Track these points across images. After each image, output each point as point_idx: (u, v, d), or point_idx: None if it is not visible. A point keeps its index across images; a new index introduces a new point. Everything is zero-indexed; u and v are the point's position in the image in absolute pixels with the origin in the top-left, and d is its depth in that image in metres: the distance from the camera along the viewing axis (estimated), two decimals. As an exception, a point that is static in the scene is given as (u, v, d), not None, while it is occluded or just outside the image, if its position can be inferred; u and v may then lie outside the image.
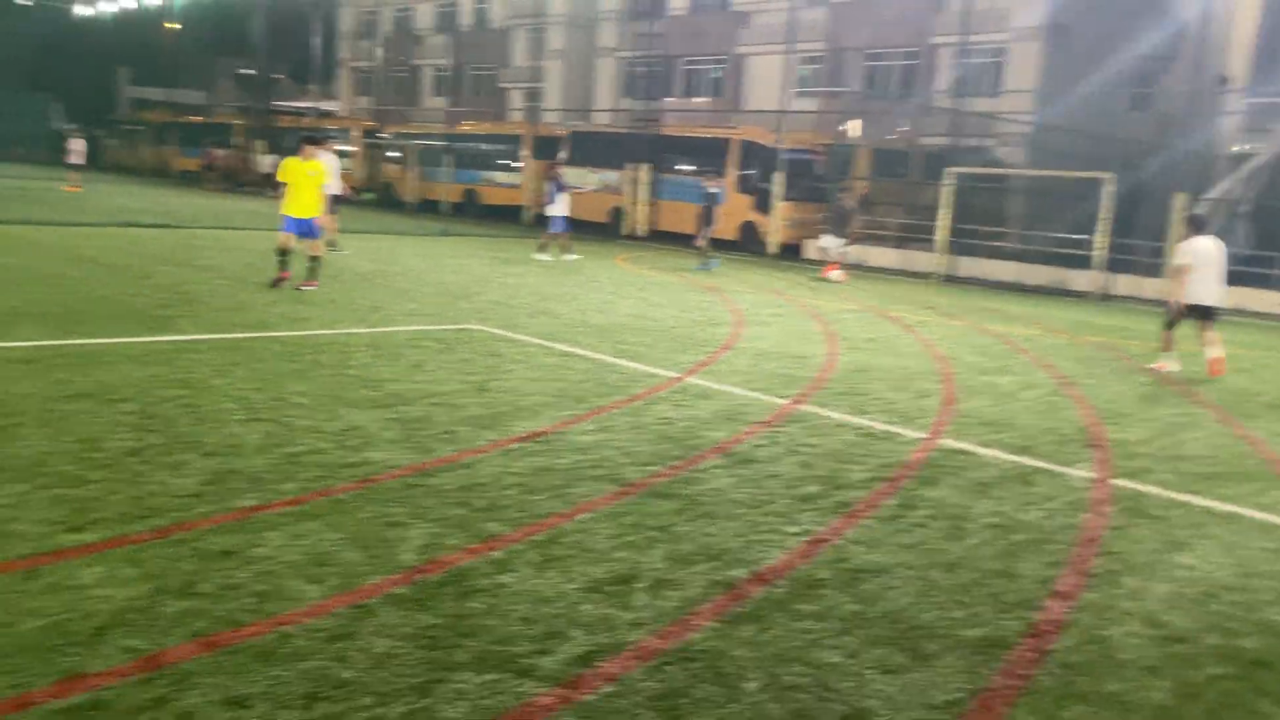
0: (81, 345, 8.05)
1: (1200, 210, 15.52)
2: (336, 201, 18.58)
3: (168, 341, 8.51)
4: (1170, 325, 11.31)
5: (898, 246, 26.54)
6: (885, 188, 28.24)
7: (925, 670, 3.54)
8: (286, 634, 3.44)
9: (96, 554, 4.00)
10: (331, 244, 17.94)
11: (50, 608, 3.50)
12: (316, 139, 13.82)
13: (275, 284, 12.27)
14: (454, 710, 3.05)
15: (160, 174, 50.45)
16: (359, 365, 8.10)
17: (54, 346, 7.91)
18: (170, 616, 3.50)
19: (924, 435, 7.16)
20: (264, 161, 35.20)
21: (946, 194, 23.24)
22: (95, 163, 39.38)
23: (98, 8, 54.06)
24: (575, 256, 20.62)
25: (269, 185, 37.02)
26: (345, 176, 18.86)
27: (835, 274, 20.17)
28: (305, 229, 12.54)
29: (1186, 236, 11.74)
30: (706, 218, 21.17)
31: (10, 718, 2.83)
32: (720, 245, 28.07)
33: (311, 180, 12.56)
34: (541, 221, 20.97)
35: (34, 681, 3.02)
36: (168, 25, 52.78)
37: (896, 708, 3.27)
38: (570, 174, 22.02)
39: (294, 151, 12.98)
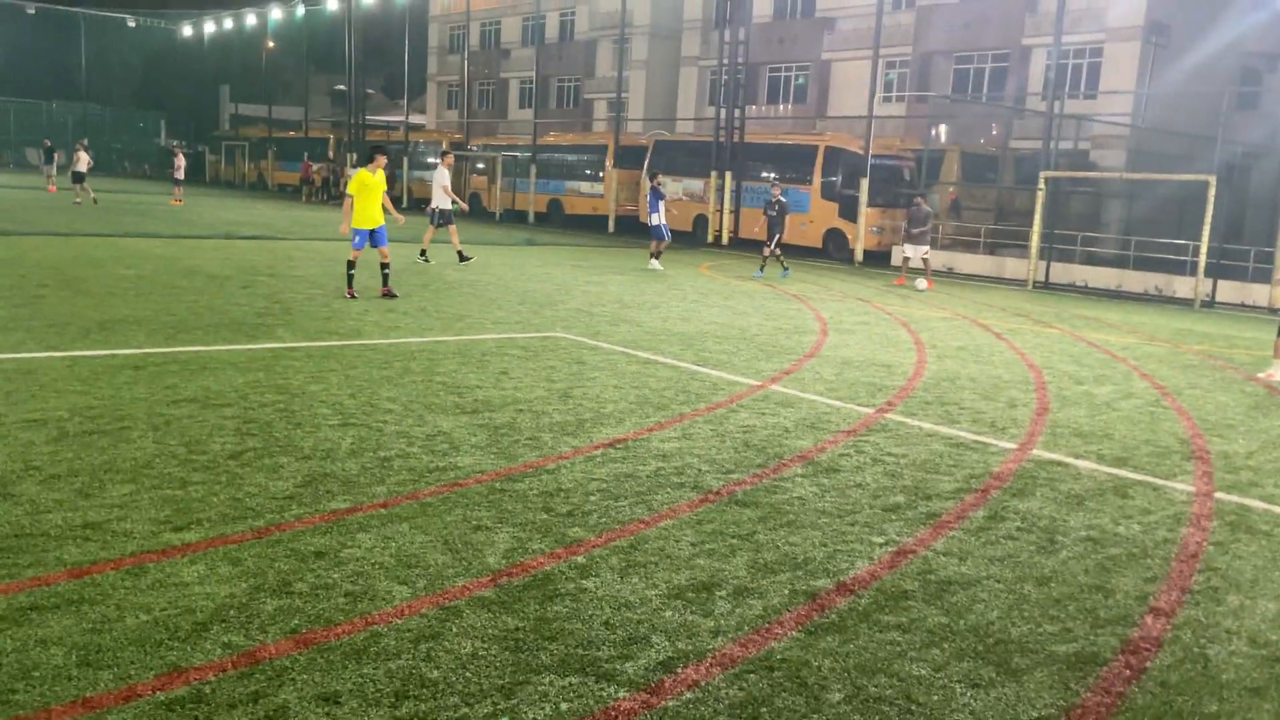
0: (187, 352, 8.39)
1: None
2: (443, 216, 18.71)
3: (266, 349, 8.81)
4: None
5: (989, 252, 25.98)
6: (976, 193, 27.68)
7: (1015, 685, 3.46)
8: (377, 633, 3.53)
9: (198, 553, 4.16)
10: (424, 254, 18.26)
11: (155, 604, 3.65)
12: (387, 150, 14.17)
13: (351, 295, 12.61)
14: (537, 712, 3.09)
15: (259, 188, 52.29)
16: (447, 372, 8.27)
17: (162, 354, 8.25)
18: (267, 614, 3.62)
19: (1015, 446, 7.00)
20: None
21: (1040, 198, 22.66)
22: (198, 177, 40.91)
23: (201, 28, 56.30)
24: (660, 266, 20.80)
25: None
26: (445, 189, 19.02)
27: (921, 282, 19.83)
28: (377, 239, 12.99)
29: None
30: (776, 225, 20.78)
31: (116, 709, 2.96)
32: (806, 253, 27.91)
33: (377, 191, 12.96)
34: (634, 230, 21.14)
35: (138, 674, 3.16)
36: (267, 43, 54.67)
37: (984, 723, 3.20)
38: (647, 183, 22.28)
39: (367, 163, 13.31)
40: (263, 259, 16.97)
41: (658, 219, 20.99)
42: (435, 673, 3.28)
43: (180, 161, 34.16)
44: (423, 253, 18.45)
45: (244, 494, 4.93)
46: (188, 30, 57.86)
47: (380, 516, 4.73)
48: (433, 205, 19.00)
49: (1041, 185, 22.65)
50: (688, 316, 13.06)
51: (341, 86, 49.56)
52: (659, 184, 21.56)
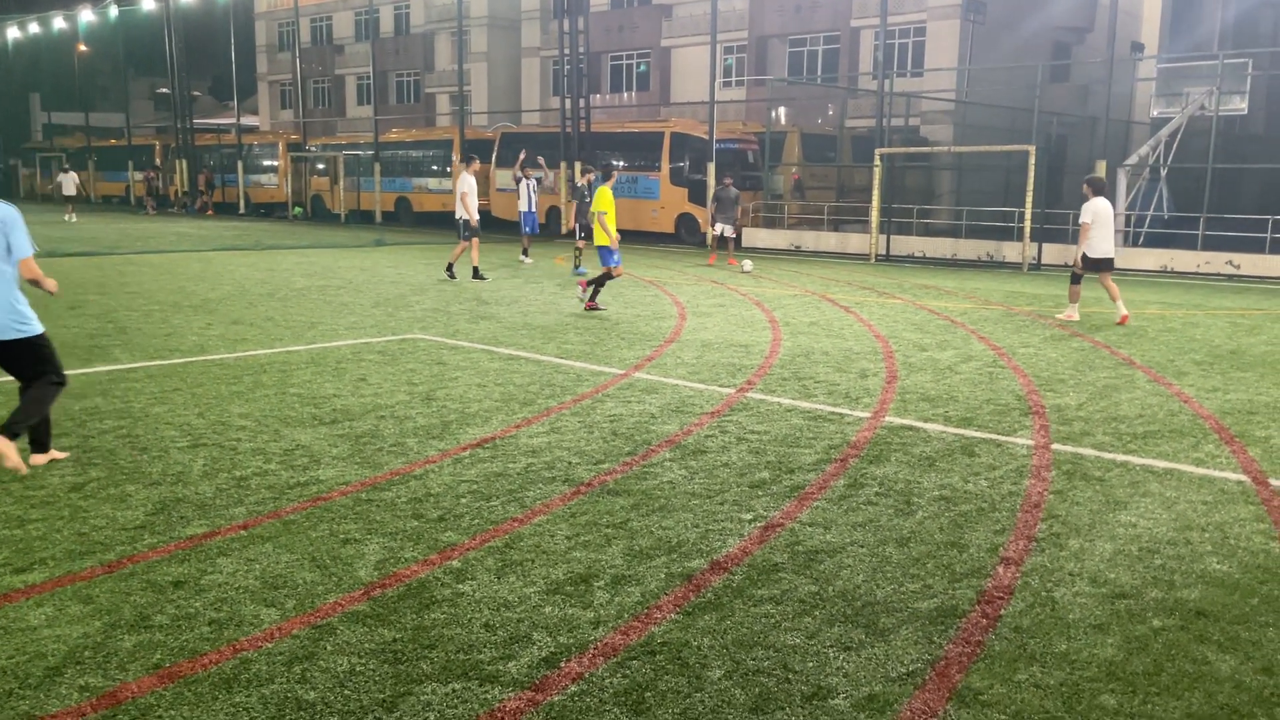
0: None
1: (1100, 174, 16.10)
2: (470, 228, 16.81)
3: (103, 372, 8.33)
4: (1076, 280, 12.91)
5: (833, 229, 26.87)
6: (817, 172, 28.56)
7: (883, 645, 3.62)
8: (246, 659, 3.41)
9: (45, 594, 3.92)
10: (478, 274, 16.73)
11: (0, 652, 3.43)
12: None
13: None
14: (422, 722, 3.05)
15: (79, 200, 49.20)
16: (301, 383, 8.01)
17: (-17, 385, 7.70)
18: (126, 651, 3.45)
19: (869, 414, 7.29)
20: (66, 182, 34.98)
21: (877, 175, 23.57)
22: (9, 193, 38.42)
23: (3, 33, 52.44)
24: (530, 260, 20.66)
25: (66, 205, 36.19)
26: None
27: (747, 263, 20.22)
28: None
29: (1088, 198, 12.60)
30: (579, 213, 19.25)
31: (-34, 768, 2.77)
32: (660, 239, 28.21)
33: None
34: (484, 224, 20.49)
35: (-12, 729, 2.96)
36: (79, 47, 51.38)
37: (857, 683, 3.34)
38: (501, 176, 22.04)
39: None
40: (91, 275, 16.01)
41: (526, 206, 20.89)
42: (312, 694, 3.20)
43: None
44: (475, 270, 16.75)
45: (90, 528, 4.66)
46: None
47: (241, 539, 4.56)
48: (460, 217, 17.12)
49: (877, 162, 23.56)
50: (547, 309, 13.04)
51: (165, 89, 47.10)
52: (527, 174, 21.17)
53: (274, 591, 3.98)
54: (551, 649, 3.54)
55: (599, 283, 13.07)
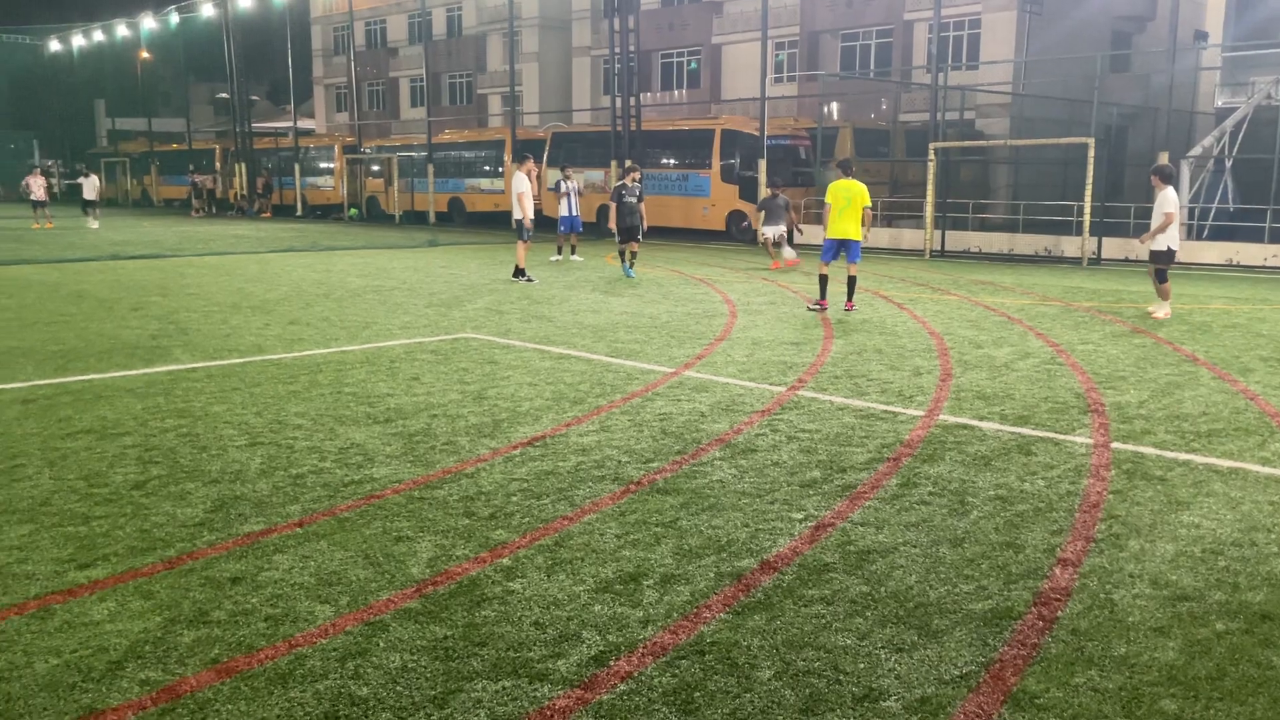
0: (80, 382, 8.07)
1: (1168, 163, 15.65)
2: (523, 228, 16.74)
3: (164, 372, 8.53)
4: (1163, 276, 12.32)
5: (886, 225, 26.59)
6: (870, 168, 28.28)
7: (936, 646, 3.57)
8: (301, 655, 3.46)
9: (107, 589, 4.02)
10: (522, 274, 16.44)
11: (65, 646, 3.52)
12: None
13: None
14: (472, 718, 3.07)
15: (144, 204, 50.45)
16: (356, 382, 8.12)
17: (53, 385, 7.92)
18: (185, 646, 3.52)
19: (923, 413, 7.19)
20: (86, 186, 34.15)
21: (931, 169, 23.26)
22: (75, 196, 39.18)
23: (70, 42, 53.91)
24: (560, 258, 20.87)
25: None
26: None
27: (788, 252, 20.03)
28: (850, 252, 12.83)
29: (1162, 187, 12.20)
30: (632, 215, 18.32)
31: (33, 758, 2.85)
32: (710, 236, 28.14)
33: (856, 201, 12.51)
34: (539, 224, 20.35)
35: (54, 720, 3.04)
36: (141, 54, 52.63)
37: (909, 685, 3.30)
38: (551, 176, 22.25)
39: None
40: (153, 278, 16.41)
41: (566, 210, 21.09)
42: (365, 690, 3.24)
43: (36, 182, 32.72)
44: (519, 271, 16.59)
45: (151, 524, 4.77)
46: (55, 45, 55.39)
47: (296, 536, 4.63)
48: (517, 217, 16.93)
49: (931, 156, 23.26)
50: (597, 308, 13.07)
51: (224, 94, 48.08)
52: (566, 176, 21.63)
53: (328, 588, 4.03)
54: (601, 647, 3.54)
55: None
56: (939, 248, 23.48)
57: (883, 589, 4.07)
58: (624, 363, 9.12)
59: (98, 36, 51.84)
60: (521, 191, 16.88)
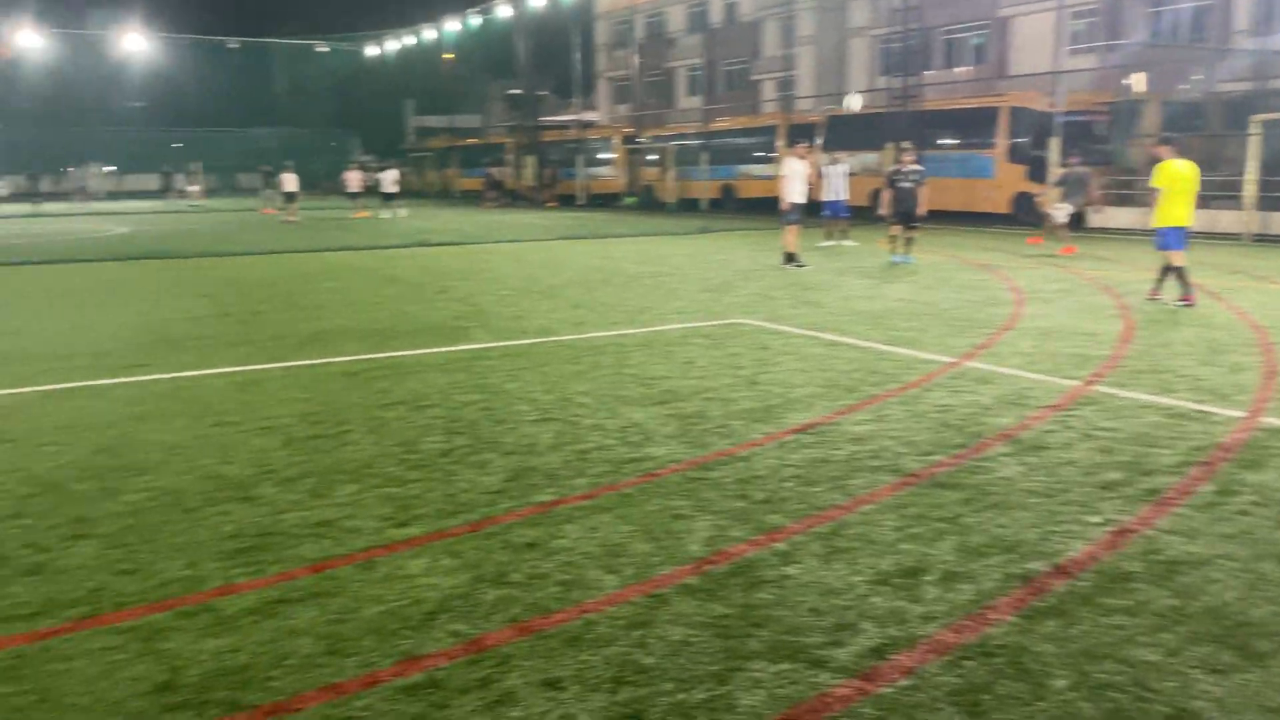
0: (394, 357, 8.90)
1: None
2: (796, 211, 16.29)
3: (465, 350, 9.23)
4: None
5: (1199, 206, 24.09)
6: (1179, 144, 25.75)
7: (1259, 670, 3.23)
8: (591, 621, 3.66)
9: (421, 547, 4.42)
10: (794, 260, 16.22)
11: (386, 595, 3.92)
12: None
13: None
14: (752, 698, 3.13)
15: (444, 195, 54.71)
16: (635, 364, 8.42)
17: (371, 359, 8.80)
18: (488, 604, 3.82)
19: (1243, 414, 6.49)
20: (385, 179, 35.03)
21: (1253, 145, 20.83)
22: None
23: (384, 46, 59.39)
24: (831, 244, 20.57)
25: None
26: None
27: (1059, 227, 18.40)
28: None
29: None
30: (909, 199, 16.99)
31: (361, 695, 3.19)
32: (994, 219, 26.72)
33: (1189, 184, 11.64)
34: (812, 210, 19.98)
35: (379, 662, 3.40)
36: (444, 56, 57.06)
37: (1228, 710, 3.01)
38: (825, 160, 21.90)
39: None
40: (454, 264, 17.77)
41: (833, 195, 20.81)
42: (649, 659, 3.37)
43: (354, 176, 35.98)
44: (789, 257, 16.32)
45: (457, 490, 5.20)
46: (373, 50, 61.17)
47: (584, 508, 4.89)
48: (789, 201, 16.35)
49: (1254, 130, 20.82)
50: (871, 294, 12.79)
51: (515, 91, 51.19)
52: (835, 160, 21.34)
53: (614, 559, 4.23)
54: (880, 640, 3.49)
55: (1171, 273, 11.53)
56: (1261, 231, 21.00)
57: (1195, 604, 3.73)
58: (900, 351, 8.87)
59: (409, 41, 56.75)
60: (789, 175, 16.68)
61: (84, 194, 48.96)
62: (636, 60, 43.80)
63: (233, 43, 56.08)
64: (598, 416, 6.67)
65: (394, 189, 35.11)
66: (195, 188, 51.83)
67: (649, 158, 40.58)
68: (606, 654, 3.41)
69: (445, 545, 4.43)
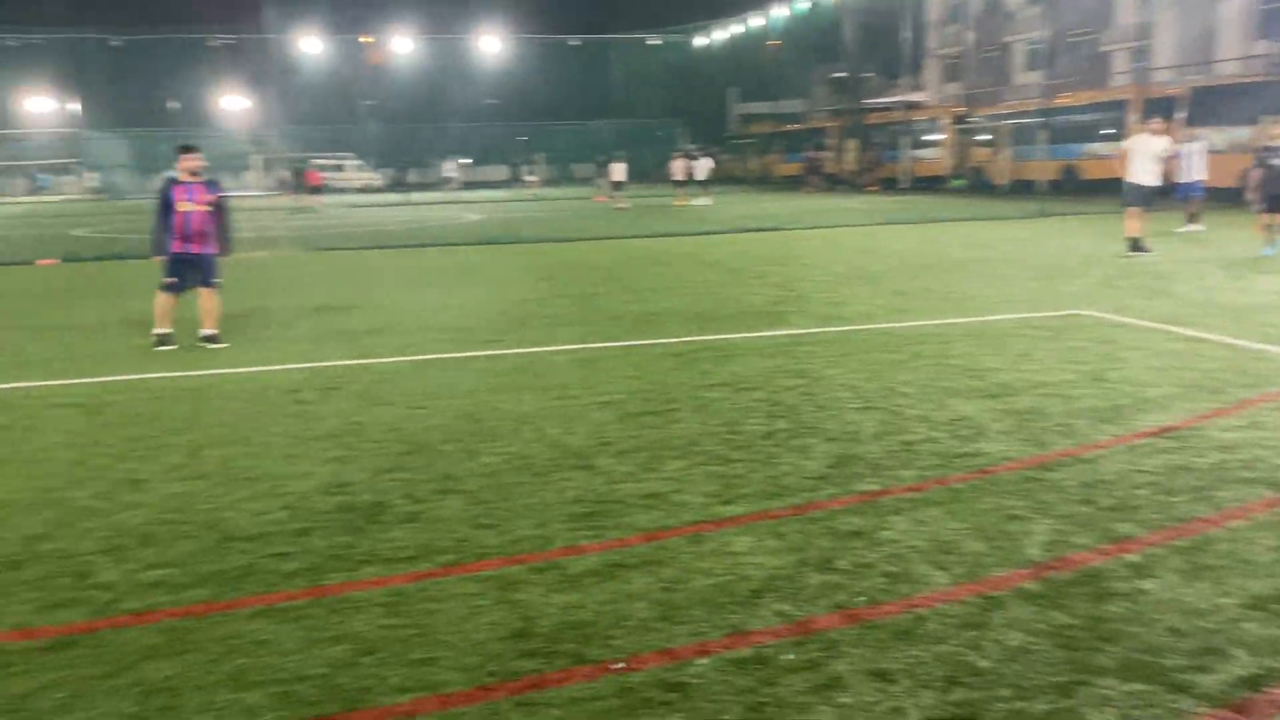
0: (716, 340, 9.13)
1: None
2: (1138, 194, 14.94)
3: (784, 335, 9.28)
4: None
5: None
6: None
7: None
8: (920, 616, 3.57)
9: (745, 525, 4.52)
10: (1139, 247, 14.82)
11: (714, 569, 4.04)
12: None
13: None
14: (1101, 715, 2.91)
15: (763, 181, 55.13)
16: (961, 355, 8.07)
17: (695, 341, 9.08)
18: (814, 588, 3.84)
19: None
20: (698, 168, 35.63)
21: None
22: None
23: (712, 36, 60.72)
24: (1189, 229, 18.52)
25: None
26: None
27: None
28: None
29: None
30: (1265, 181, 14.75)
31: (693, 662, 3.31)
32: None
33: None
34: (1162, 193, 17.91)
35: (708, 632, 3.52)
36: (769, 43, 57.39)
37: None
38: (1184, 137, 19.74)
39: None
40: (771, 250, 17.89)
41: (1186, 175, 18.80)
42: (984, 662, 3.24)
43: (678, 165, 37.17)
44: (1138, 245, 14.91)
45: (779, 472, 5.25)
46: (701, 40, 62.74)
47: (910, 500, 4.77)
48: (1136, 182, 15.06)
49: None
50: (1237, 286, 11.40)
51: (839, 74, 50.49)
52: (1191, 136, 19.22)
53: (943, 555, 4.10)
54: (1254, 669, 3.13)
55: None
56: None
57: None
58: (1277, 350, 7.85)
59: (736, 29, 57.64)
60: (1134, 151, 15.17)
61: (450, 184, 54.11)
62: (970, 36, 41.65)
63: (574, 40, 59.68)
64: (923, 407, 6.47)
65: (705, 177, 36.43)
66: (533, 178, 55.79)
67: (979, 138, 38.55)
68: (938, 651, 3.31)
69: (769, 526, 4.49)
